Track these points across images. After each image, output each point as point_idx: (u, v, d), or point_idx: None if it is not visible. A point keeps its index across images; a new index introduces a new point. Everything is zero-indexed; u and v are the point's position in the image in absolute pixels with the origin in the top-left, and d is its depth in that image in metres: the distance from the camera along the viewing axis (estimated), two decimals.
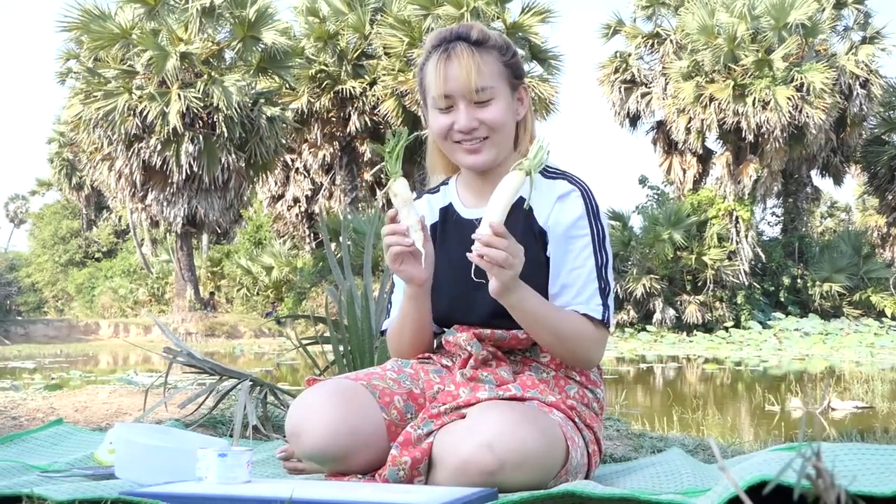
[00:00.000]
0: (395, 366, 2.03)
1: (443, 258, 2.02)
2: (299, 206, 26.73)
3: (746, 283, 22.86)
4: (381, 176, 26.49)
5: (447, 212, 2.08)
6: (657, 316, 22.07)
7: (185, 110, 20.02)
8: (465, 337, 1.98)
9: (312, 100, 23.96)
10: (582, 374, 2.02)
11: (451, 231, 2.06)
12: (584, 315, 1.91)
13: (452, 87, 1.90)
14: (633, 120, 25.37)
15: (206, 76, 20.49)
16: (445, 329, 2.06)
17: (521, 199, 1.95)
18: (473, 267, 1.84)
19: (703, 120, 22.05)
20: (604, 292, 1.93)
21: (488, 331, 1.97)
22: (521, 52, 22.07)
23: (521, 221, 1.95)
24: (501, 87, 1.93)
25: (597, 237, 1.94)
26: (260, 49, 21.31)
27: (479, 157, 1.94)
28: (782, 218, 27.51)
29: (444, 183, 2.13)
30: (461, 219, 2.05)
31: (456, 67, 1.90)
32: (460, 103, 1.91)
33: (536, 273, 1.93)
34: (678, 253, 22.57)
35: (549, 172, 1.99)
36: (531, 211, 1.96)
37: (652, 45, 24.71)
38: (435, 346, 2.10)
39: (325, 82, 23.93)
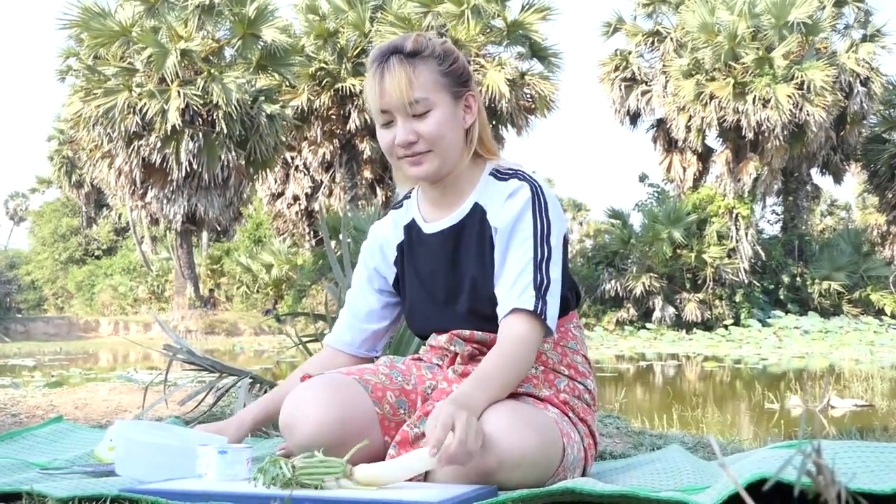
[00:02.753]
0: (386, 361, 2.06)
1: (412, 277, 2.06)
2: (299, 204, 26.72)
3: (746, 281, 22.86)
4: (381, 173, 26.50)
5: (411, 229, 2.08)
6: (657, 314, 22.07)
7: (184, 108, 20.01)
8: (445, 338, 2.01)
9: (312, 97, 23.95)
10: (570, 367, 2.02)
11: (416, 248, 2.06)
12: (514, 311, 1.85)
13: (388, 102, 1.88)
14: (634, 118, 25.37)
15: (205, 73, 20.47)
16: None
17: (477, 206, 1.97)
18: (443, 286, 1.98)
19: (703, 118, 22.05)
20: (540, 286, 1.86)
21: (467, 332, 1.98)
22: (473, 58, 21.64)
23: (476, 225, 1.96)
24: (440, 97, 1.89)
25: (539, 231, 1.89)
26: (260, 46, 21.29)
27: (421, 169, 1.92)
28: (782, 216, 27.51)
29: (407, 196, 2.13)
30: (423, 234, 2.05)
31: (389, 81, 1.87)
32: (398, 117, 1.89)
33: (491, 276, 1.93)
34: (678, 251, 22.56)
35: (501, 174, 1.98)
36: (484, 214, 1.96)
37: (652, 42, 24.71)
38: (421, 350, 2.13)
39: (325, 80, 23.92)
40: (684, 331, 21.87)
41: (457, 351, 1.98)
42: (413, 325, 2.13)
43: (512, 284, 1.87)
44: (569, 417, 1.93)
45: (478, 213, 1.97)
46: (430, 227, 2.04)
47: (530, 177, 1.95)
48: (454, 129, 1.92)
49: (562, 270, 1.93)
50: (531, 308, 1.84)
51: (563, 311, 1.96)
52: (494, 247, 1.93)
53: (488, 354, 1.86)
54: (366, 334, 2.16)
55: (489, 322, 1.93)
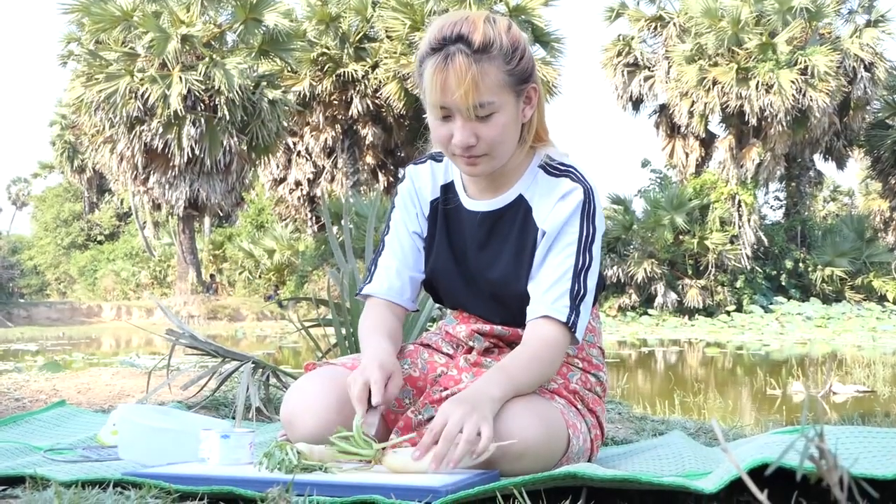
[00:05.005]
0: None
1: (443, 240, 1.99)
2: (301, 189, 26.72)
3: (748, 267, 22.86)
4: (384, 159, 26.46)
5: (448, 192, 2.00)
6: (659, 300, 22.08)
7: (186, 93, 19.99)
8: (464, 332, 1.98)
9: (314, 83, 23.92)
10: (585, 360, 2.01)
11: (452, 215, 1.99)
12: (545, 317, 1.81)
13: (449, 101, 1.73)
14: (636, 103, 25.32)
15: (207, 59, 20.44)
16: (449, 310, 2.06)
17: (521, 198, 1.91)
18: (470, 265, 1.91)
19: (706, 103, 21.99)
20: (576, 296, 1.81)
21: (488, 327, 1.96)
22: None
23: (518, 220, 1.90)
24: (504, 98, 1.76)
25: (584, 238, 1.83)
26: (262, 32, 21.25)
27: (476, 169, 1.83)
28: (785, 202, 27.48)
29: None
30: (462, 207, 1.98)
31: (453, 81, 1.71)
32: (457, 118, 1.75)
33: (525, 275, 1.88)
34: (680, 237, 22.55)
35: (552, 168, 1.89)
36: (529, 210, 1.89)
37: (655, 28, 24.62)
38: (436, 326, 2.10)
39: (327, 65, 23.88)
40: (686, 317, 21.89)
41: (474, 346, 1.96)
42: (433, 291, 2.05)
43: (547, 289, 1.82)
44: (577, 408, 1.92)
45: (521, 206, 1.90)
46: (470, 203, 1.96)
47: (583, 177, 1.87)
48: (514, 129, 1.82)
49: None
50: (563, 319, 1.80)
51: None
52: (536, 248, 1.86)
53: (513, 351, 1.83)
54: (414, 282, 2.02)
55: (511, 314, 1.90)
